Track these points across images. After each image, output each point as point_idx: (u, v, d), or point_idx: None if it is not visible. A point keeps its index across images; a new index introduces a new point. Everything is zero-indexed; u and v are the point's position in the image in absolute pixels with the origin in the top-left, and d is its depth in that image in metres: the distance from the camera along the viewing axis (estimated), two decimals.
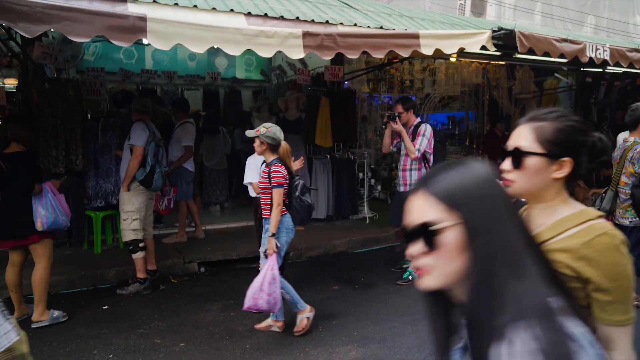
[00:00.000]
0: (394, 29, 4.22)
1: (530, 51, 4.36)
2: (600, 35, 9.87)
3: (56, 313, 3.77)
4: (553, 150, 1.20)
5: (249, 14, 3.77)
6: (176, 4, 3.61)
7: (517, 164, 1.22)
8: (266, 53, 3.47)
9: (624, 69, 5.78)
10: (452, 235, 0.85)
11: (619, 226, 4.16)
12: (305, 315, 3.66)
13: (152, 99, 7.06)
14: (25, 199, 3.59)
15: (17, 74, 5.38)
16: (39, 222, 3.58)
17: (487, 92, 8.75)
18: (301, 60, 6.98)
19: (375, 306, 4.18)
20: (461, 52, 4.73)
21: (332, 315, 4.01)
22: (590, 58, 4.59)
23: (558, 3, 11.43)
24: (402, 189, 4.77)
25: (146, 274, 4.44)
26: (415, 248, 0.89)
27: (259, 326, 3.70)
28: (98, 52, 7.82)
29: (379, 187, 8.01)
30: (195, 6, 3.66)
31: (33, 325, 3.66)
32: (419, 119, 4.73)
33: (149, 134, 4.26)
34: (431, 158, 4.71)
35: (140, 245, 4.34)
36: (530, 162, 1.21)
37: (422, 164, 4.67)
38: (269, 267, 3.30)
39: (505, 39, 4.43)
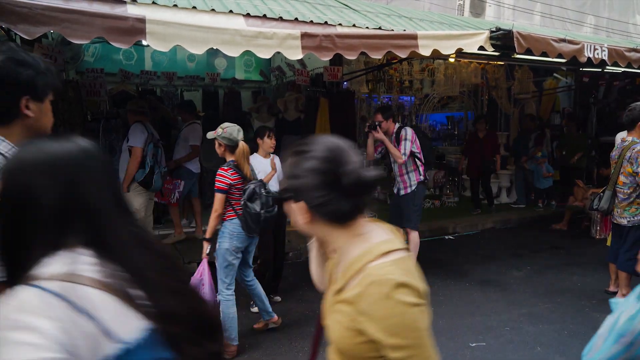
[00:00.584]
0: (392, 30, 4.23)
1: (528, 51, 4.37)
2: (600, 35, 9.89)
3: None
4: (289, 193, 1.12)
5: (247, 15, 3.78)
6: (175, 5, 3.62)
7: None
8: (265, 54, 3.49)
9: (623, 69, 5.79)
10: None
11: (617, 225, 4.18)
12: (270, 323, 3.68)
13: (155, 98, 7.11)
14: None
15: None
16: None
17: (486, 93, 8.77)
18: (300, 61, 6.99)
19: None
20: (460, 53, 4.75)
21: None
22: (589, 58, 4.60)
23: (557, 3, 11.44)
24: (403, 192, 4.85)
25: None
26: None
27: (257, 326, 3.71)
28: (98, 54, 7.85)
29: (378, 188, 8.02)
30: (194, 7, 3.67)
31: None
32: (398, 125, 4.82)
33: (147, 135, 4.28)
34: (421, 156, 4.78)
35: None
36: (290, 207, 1.13)
37: (416, 165, 4.77)
38: (196, 273, 3.13)
39: (503, 40, 4.44)
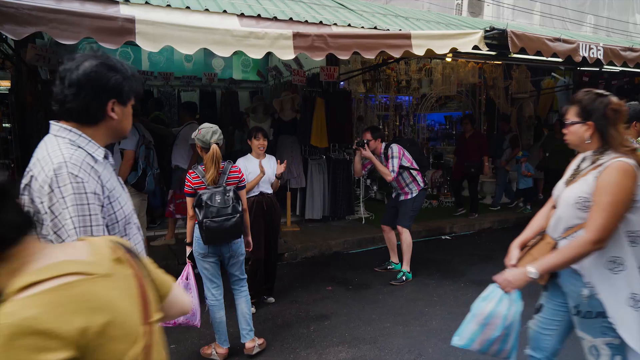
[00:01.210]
0: (387, 30, 4.21)
1: (523, 51, 4.35)
2: (599, 35, 9.85)
3: None
4: None
5: (242, 15, 3.77)
6: (169, 5, 3.61)
7: None
8: (256, 54, 3.47)
9: (621, 68, 5.76)
10: None
11: None
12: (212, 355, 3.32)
13: (154, 101, 7.10)
14: None
15: (10, 76, 5.38)
16: None
17: (483, 92, 8.74)
18: (297, 61, 6.97)
19: (367, 307, 4.17)
20: (457, 52, 4.73)
21: (324, 316, 4.00)
22: (584, 57, 4.58)
23: (557, 2, 11.41)
24: (403, 197, 4.94)
25: None
26: None
27: (202, 350, 3.38)
28: None
29: (375, 188, 8.01)
30: (187, 7, 3.66)
31: None
32: (384, 144, 4.87)
33: (138, 137, 4.26)
34: (415, 165, 4.85)
35: None
36: None
37: (412, 176, 4.85)
38: (181, 276, 3.05)
39: (498, 39, 4.42)
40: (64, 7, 2.90)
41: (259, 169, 3.95)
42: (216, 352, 3.28)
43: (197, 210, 3.01)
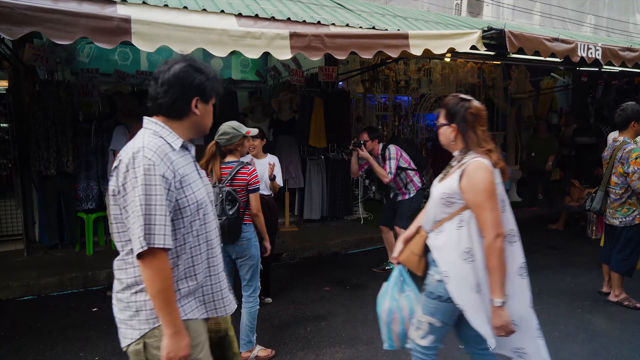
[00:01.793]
0: (386, 30, 4.21)
1: (522, 51, 4.34)
2: (599, 35, 9.84)
3: None
4: None
5: (239, 15, 3.76)
6: (166, 5, 3.60)
7: None
8: (253, 54, 3.46)
9: (620, 68, 5.75)
10: None
11: (610, 226, 4.15)
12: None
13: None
14: None
15: (7, 76, 5.37)
16: None
17: (483, 92, 8.72)
18: (295, 61, 6.96)
19: (365, 307, 4.16)
20: (455, 52, 4.72)
21: (321, 316, 3.99)
22: (582, 57, 4.56)
23: (557, 3, 11.40)
24: (400, 197, 4.94)
25: None
26: None
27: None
28: (93, 54, 7.80)
29: (374, 188, 7.99)
30: (185, 7, 3.65)
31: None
32: (382, 145, 4.86)
33: (128, 138, 4.25)
34: (412, 165, 4.85)
35: None
36: None
37: (410, 176, 4.84)
38: None
39: (497, 39, 4.41)
40: (60, 7, 2.89)
41: None
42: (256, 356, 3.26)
43: None
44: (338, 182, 6.87)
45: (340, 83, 7.33)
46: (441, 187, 2.12)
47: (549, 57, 4.52)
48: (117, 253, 1.63)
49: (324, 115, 6.60)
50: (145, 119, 1.64)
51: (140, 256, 1.46)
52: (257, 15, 3.81)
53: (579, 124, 8.79)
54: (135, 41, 3.04)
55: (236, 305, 1.84)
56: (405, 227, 4.84)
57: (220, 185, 3.07)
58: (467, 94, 2.24)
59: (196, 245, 1.63)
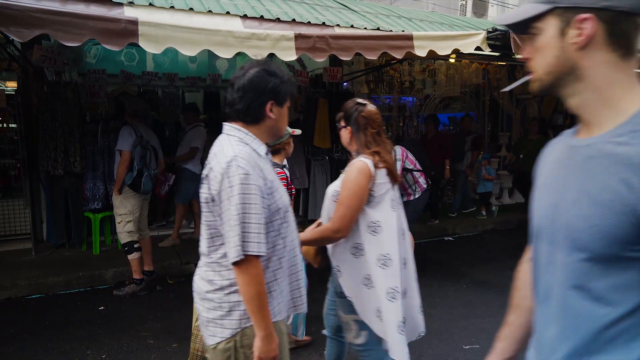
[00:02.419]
0: (390, 31, 4.22)
1: None
2: None
3: None
4: None
5: (245, 16, 3.79)
6: (172, 7, 3.64)
7: None
8: (258, 56, 3.49)
9: None
10: None
11: None
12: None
13: (155, 97, 7.15)
14: None
15: (16, 78, 5.44)
16: None
17: (487, 93, 8.71)
18: (300, 62, 6.99)
19: None
20: (460, 53, 4.73)
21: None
22: None
23: None
24: (405, 198, 4.94)
25: (143, 274, 4.47)
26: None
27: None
28: (99, 55, 7.86)
29: None
30: (191, 9, 3.68)
31: None
32: None
33: (135, 138, 4.28)
34: (417, 166, 4.85)
35: (135, 246, 4.38)
36: None
37: (417, 177, 4.85)
38: None
39: (502, 40, 4.42)
40: (68, 9, 2.93)
41: None
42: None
43: None
44: None
45: (344, 84, 7.35)
46: (333, 185, 2.25)
47: None
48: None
49: (328, 115, 6.61)
50: (227, 125, 1.68)
51: (236, 263, 1.53)
52: (262, 17, 3.84)
53: (573, 123, 8.60)
54: (142, 43, 3.08)
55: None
56: (410, 228, 4.87)
57: None
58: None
59: (283, 247, 1.69)
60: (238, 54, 3.48)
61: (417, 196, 4.86)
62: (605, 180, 0.83)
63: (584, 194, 0.87)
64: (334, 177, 6.88)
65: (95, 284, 4.70)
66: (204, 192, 1.61)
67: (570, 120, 8.74)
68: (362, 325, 2.16)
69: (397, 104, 8.61)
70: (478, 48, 4.23)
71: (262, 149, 1.67)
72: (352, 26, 4.14)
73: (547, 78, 0.93)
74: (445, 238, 6.61)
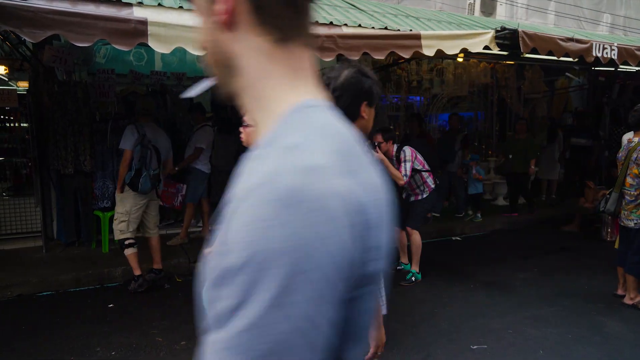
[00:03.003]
0: (398, 30, 4.22)
1: (535, 51, 4.32)
2: (616, 34, 9.70)
3: None
4: None
5: None
6: (181, 7, 3.66)
7: None
8: None
9: (637, 68, 5.68)
10: None
11: (624, 228, 4.11)
12: None
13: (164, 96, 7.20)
14: None
15: (28, 77, 5.51)
16: None
17: (495, 92, 8.66)
18: None
19: None
20: (468, 52, 4.71)
21: None
22: (597, 57, 4.52)
23: (572, 1, 11.25)
24: (413, 198, 4.95)
25: (141, 271, 4.47)
26: None
27: None
28: (109, 55, 7.93)
29: None
30: None
31: None
32: (396, 146, 4.79)
33: (136, 137, 4.30)
34: (426, 167, 4.82)
35: (126, 242, 4.40)
36: None
37: (425, 177, 4.83)
38: None
39: (510, 39, 4.40)
40: (79, 10, 2.97)
41: None
42: None
43: None
44: None
45: None
46: None
47: (562, 57, 4.49)
48: None
49: None
50: None
51: None
52: None
53: (577, 125, 8.25)
54: (151, 43, 3.10)
55: None
56: (417, 228, 4.88)
57: None
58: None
59: None
60: None
61: (425, 196, 4.84)
62: None
63: None
64: None
65: (105, 282, 4.75)
66: None
67: (577, 120, 8.67)
68: None
69: (405, 104, 8.59)
70: (486, 47, 4.22)
71: None
72: (359, 25, 4.14)
73: (216, 73, 0.70)
74: (453, 238, 6.59)
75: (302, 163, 0.52)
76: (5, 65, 5.66)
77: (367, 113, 1.70)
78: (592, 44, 4.51)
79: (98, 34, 2.95)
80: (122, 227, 4.40)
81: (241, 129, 2.04)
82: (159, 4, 3.58)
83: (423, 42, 4.01)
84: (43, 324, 3.83)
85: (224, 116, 7.64)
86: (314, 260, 0.49)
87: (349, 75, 1.65)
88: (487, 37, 4.20)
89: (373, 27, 4.18)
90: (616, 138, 7.34)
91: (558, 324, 3.86)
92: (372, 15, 4.81)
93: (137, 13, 3.26)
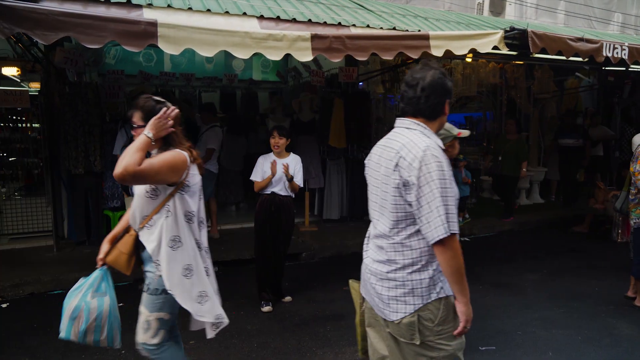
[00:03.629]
0: (406, 30, 4.21)
1: (545, 51, 4.29)
2: (627, 33, 9.59)
3: None
4: None
5: (261, 17, 3.82)
6: (190, 8, 3.69)
7: None
8: (275, 56, 3.52)
9: None
10: None
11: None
12: None
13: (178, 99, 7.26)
14: None
15: (39, 78, 5.58)
16: None
17: (505, 93, 8.61)
18: (316, 62, 7.01)
19: None
20: (477, 53, 4.69)
21: (340, 315, 4.03)
22: (607, 57, 4.48)
23: (582, 1, 11.15)
24: None
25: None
26: None
27: None
28: (119, 56, 8.03)
29: None
30: (208, 10, 3.73)
31: None
32: None
33: (125, 140, 4.33)
34: None
35: None
36: None
37: None
38: None
39: (519, 39, 4.37)
40: (90, 12, 3.01)
41: (268, 170, 3.97)
42: None
43: None
44: (357, 183, 6.88)
45: (360, 83, 7.35)
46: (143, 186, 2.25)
47: (572, 57, 4.45)
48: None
49: (344, 115, 6.62)
50: (405, 120, 1.88)
51: (441, 241, 1.68)
52: (278, 17, 3.86)
53: (563, 124, 8.13)
54: (161, 44, 3.13)
55: None
56: None
57: None
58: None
59: None
60: (254, 54, 3.51)
61: None
62: None
63: None
64: (349, 176, 6.89)
65: (115, 281, 4.77)
66: (395, 179, 1.77)
67: (590, 120, 8.58)
68: (164, 324, 2.30)
69: None
70: (495, 47, 4.19)
71: (440, 142, 1.84)
72: (368, 26, 4.14)
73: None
74: (462, 239, 6.56)
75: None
76: (17, 67, 5.73)
77: (447, 110, 1.90)
78: (602, 44, 4.46)
79: (109, 35, 2.98)
80: None
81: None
82: (169, 6, 3.62)
83: (431, 42, 4.00)
84: (54, 322, 3.86)
85: (233, 117, 7.68)
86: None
87: (436, 76, 1.81)
88: (496, 37, 4.18)
89: (381, 28, 4.18)
90: (627, 138, 7.26)
91: (567, 325, 3.83)
92: (380, 16, 4.80)
93: (147, 14, 3.30)
